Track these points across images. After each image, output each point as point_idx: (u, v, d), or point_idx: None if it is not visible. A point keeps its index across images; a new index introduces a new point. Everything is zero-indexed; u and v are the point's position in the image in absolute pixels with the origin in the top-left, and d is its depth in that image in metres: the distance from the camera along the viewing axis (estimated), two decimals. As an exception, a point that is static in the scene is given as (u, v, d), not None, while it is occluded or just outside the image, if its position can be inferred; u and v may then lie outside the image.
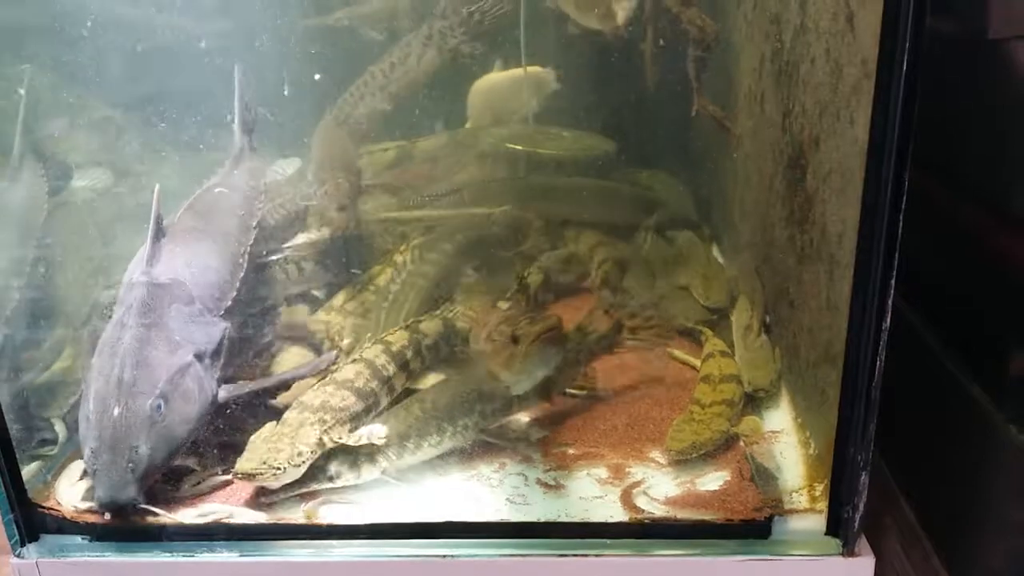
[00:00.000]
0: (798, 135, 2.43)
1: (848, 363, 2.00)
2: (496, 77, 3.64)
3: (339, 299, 3.06)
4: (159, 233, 2.46)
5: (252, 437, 2.29)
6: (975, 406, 2.14)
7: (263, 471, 2.17)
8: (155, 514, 2.17)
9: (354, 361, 2.51)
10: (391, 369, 2.54)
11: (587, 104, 3.82)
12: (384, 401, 2.51)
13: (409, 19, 3.55)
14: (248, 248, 2.70)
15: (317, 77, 3.31)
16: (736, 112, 3.13)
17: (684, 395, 2.66)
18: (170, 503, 2.24)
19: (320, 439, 2.27)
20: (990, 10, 2.20)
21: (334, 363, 2.59)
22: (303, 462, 2.21)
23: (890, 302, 1.91)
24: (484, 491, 2.32)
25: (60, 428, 2.57)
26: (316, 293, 3.14)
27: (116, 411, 2.12)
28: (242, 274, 2.62)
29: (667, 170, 3.70)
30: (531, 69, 3.73)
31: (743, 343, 2.76)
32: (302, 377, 2.55)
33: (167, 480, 2.29)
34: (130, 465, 2.09)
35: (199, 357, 2.31)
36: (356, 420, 2.39)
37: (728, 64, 3.18)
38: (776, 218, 2.65)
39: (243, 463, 2.20)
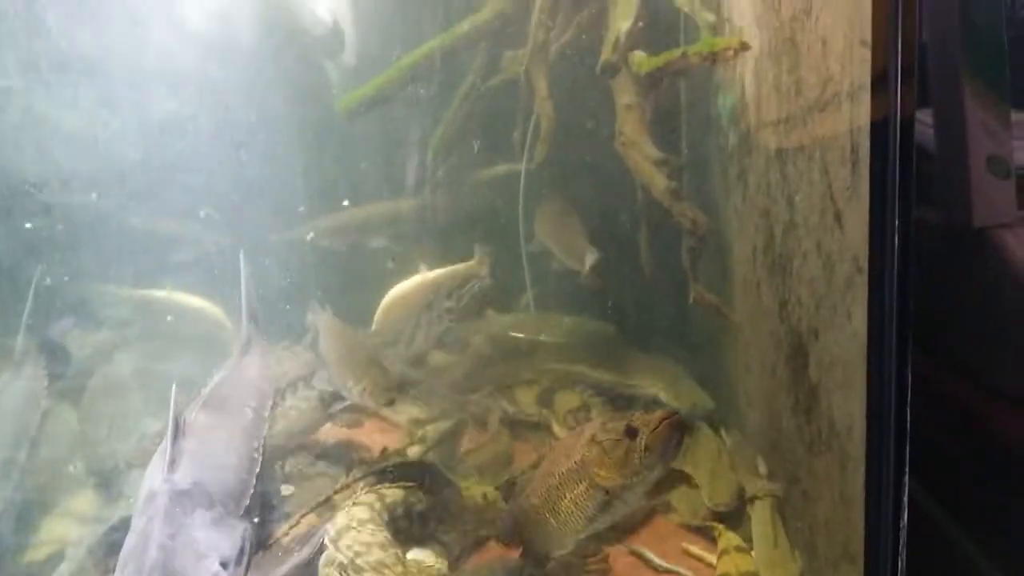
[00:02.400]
0: (796, 326, 2.46)
1: (869, 564, 1.93)
2: (404, 287, 3.80)
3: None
4: (178, 435, 2.40)
5: None
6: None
7: None
8: None
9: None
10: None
11: (589, 292, 3.92)
12: None
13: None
14: (263, 440, 2.66)
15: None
16: (734, 300, 3.17)
17: (701, 594, 2.56)
18: None
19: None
20: (972, 201, 2.29)
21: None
22: None
23: (906, 500, 1.87)
24: None
25: None
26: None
27: None
28: (258, 469, 2.56)
29: (670, 355, 3.72)
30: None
31: (762, 541, 2.65)
32: (306, 560, 2.43)
33: None
34: None
35: (224, 565, 2.21)
36: None
37: (723, 253, 3.26)
38: (782, 407, 2.63)
39: None
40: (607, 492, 2.08)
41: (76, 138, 3.36)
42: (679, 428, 2.04)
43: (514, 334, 3.85)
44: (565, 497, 2.15)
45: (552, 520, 2.21)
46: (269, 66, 3.69)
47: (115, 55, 3.36)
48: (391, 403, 2.93)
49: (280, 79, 3.73)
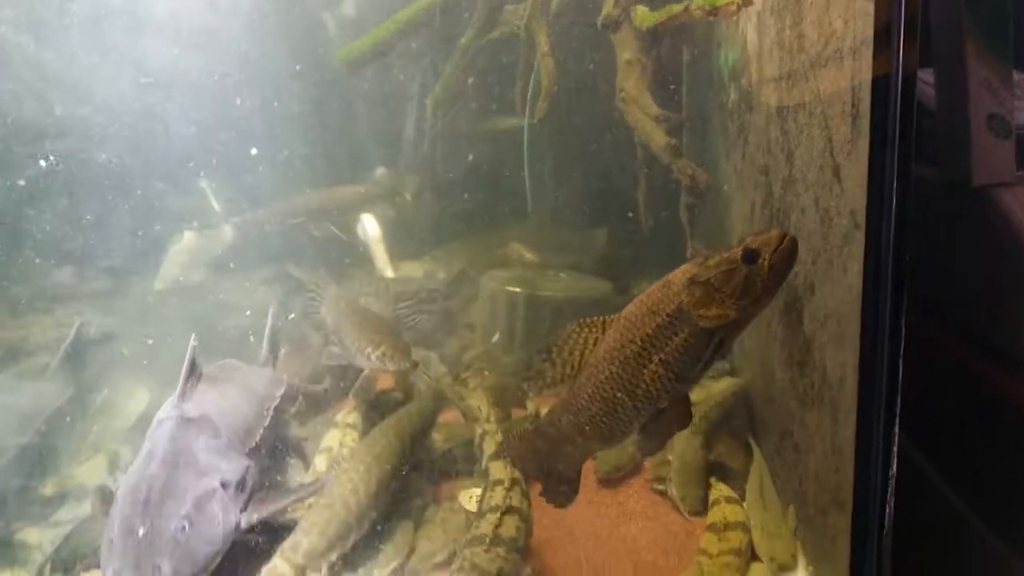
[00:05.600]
0: (792, 280, 2.48)
1: (857, 510, 1.97)
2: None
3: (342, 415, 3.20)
4: (191, 374, 2.57)
5: None
6: (984, 546, 2.10)
7: None
8: None
9: (509, 512, 2.47)
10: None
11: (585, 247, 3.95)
12: None
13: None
14: (272, 408, 2.82)
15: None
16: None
17: (691, 542, 2.61)
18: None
19: None
20: (972, 160, 2.30)
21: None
22: None
23: (895, 449, 1.91)
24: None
25: None
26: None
27: (141, 531, 2.13)
28: (266, 423, 2.73)
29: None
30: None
31: (757, 507, 2.69)
32: (307, 497, 2.58)
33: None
34: None
35: (224, 485, 2.35)
36: None
37: (722, 209, 3.28)
38: (776, 361, 2.67)
39: None
40: (712, 335, 1.87)
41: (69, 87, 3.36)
42: (797, 245, 1.82)
43: (511, 288, 3.87)
44: (651, 361, 1.92)
45: (627, 399, 1.97)
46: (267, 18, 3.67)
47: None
48: (415, 365, 2.99)
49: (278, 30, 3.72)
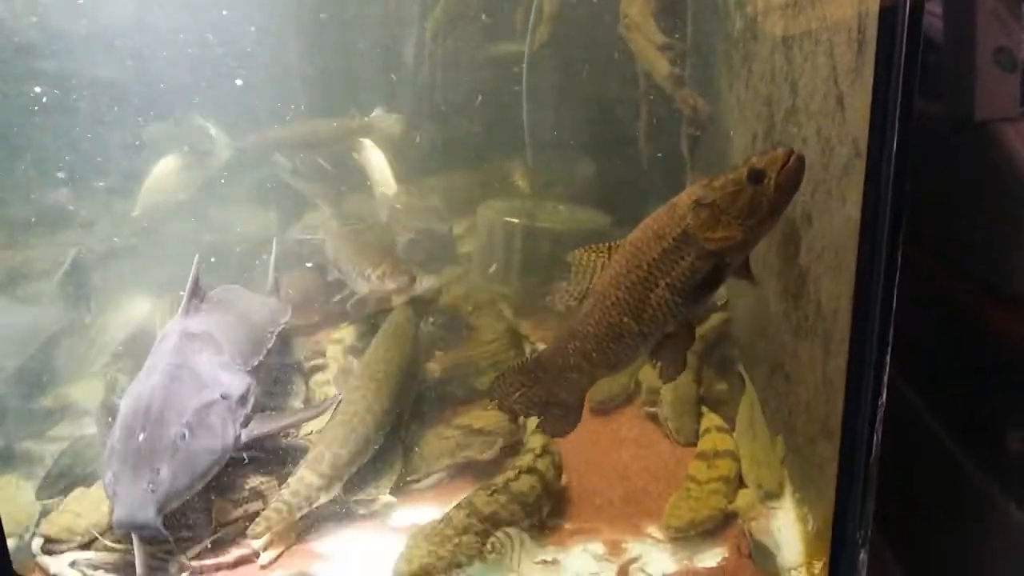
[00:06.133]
0: (790, 212, 2.46)
1: (845, 439, 2.00)
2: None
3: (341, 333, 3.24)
4: (194, 291, 2.63)
5: (415, 531, 2.32)
6: (974, 483, 2.13)
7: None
8: (169, 543, 2.19)
9: (529, 472, 2.49)
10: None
11: (584, 179, 3.91)
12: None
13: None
14: (275, 333, 2.88)
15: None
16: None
17: (680, 469, 2.65)
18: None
19: (481, 551, 2.29)
20: (976, 94, 2.28)
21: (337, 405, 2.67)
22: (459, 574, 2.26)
23: (886, 379, 1.92)
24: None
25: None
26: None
27: (141, 436, 2.20)
28: (269, 345, 2.79)
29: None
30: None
31: (747, 436, 2.73)
32: (311, 418, 2.65)
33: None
34: (150, 486, 2.13)
35: (225, 398, 2.41)
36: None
37: (721, 141, 3.25)
38: (770, 292, 2.67)
39: (402, 563, 2.23)
40: (719, 256, 1.85)
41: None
42: (804, 163, 1.80)
43: (509, 219, 3.85)
44: (658, 286, 1.90)
45: (633, 324, 1.96)
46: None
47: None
48: (413, 280, 3.04)
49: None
